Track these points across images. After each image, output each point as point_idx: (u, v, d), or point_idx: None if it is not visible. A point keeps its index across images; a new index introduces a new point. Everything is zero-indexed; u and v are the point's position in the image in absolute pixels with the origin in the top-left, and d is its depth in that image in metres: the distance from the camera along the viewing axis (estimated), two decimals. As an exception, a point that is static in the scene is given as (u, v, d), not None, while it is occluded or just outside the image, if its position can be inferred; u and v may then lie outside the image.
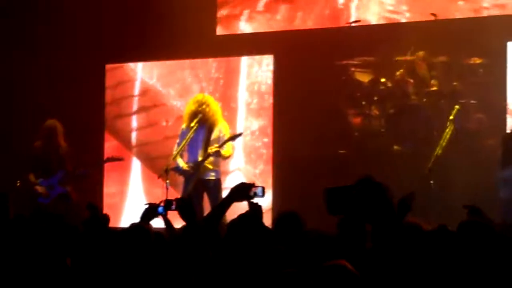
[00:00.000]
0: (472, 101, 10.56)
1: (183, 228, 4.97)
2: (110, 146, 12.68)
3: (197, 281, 4.44)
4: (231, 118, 11.65)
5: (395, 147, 10.70)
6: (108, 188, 12.73)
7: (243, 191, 5.21)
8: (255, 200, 5.27)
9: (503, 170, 9.23)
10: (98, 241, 5.30)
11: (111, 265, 4.92)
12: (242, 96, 12.19)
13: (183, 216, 4.84)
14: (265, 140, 12.00)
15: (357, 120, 11.15)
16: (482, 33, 10.58)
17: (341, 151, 11.07)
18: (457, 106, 9.97)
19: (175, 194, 10.19)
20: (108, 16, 12.69)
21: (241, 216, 5.01)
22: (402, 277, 3.72)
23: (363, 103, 11.09)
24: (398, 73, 10.92)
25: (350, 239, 4.73)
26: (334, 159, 11.01)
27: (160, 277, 4.64)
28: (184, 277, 4.52)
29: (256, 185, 5.33)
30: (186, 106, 10.04)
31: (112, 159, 11.22)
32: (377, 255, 3.71)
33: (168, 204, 5.30)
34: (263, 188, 5.41)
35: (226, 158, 9.85)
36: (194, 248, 4.58)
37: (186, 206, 4.81)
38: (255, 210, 5.00)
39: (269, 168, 11.88)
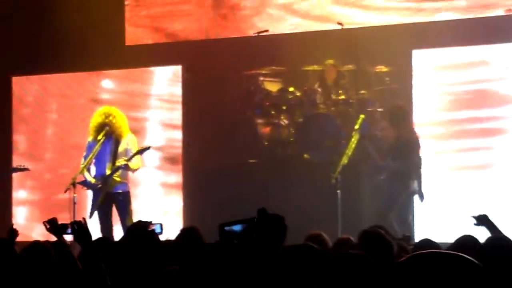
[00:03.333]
0: (379, 109, 10.71)
1: (80, 252, 4.88)
2: (18, 156, 12.53)
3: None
4: (140, 130, 11.57)
5: (304, 156, 10.77)
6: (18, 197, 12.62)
7: (141, 229, 5.14)
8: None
9: None
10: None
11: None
12: (152, 107, 12.13)
13: (78, 240, 4.73)
14: (176, 151, 11.97)
15: (266, 130, 11.18)
16: (388, 41, 10.73)
17: (251, 161, 11.07)
18: (362, 116, 10.03)
19: (83, 208, 10.09)
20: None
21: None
22: None
23: (272, 112, 11.14)
24: (306, 82, 11.03)
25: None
26: (244, 168, 11.02)
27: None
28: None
29: (153, 222, 5.25)
30: (92, 119, 9.90)
31: (17, 169, 11.14)
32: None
33: (63, 228, 5.13)
34: (161, 225, 5.37)
35: (134, 171, 9.73)
36: (91, 272, 4.51)
37: (81, 230, 4.70)
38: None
39: (180, 179, 11.83)
